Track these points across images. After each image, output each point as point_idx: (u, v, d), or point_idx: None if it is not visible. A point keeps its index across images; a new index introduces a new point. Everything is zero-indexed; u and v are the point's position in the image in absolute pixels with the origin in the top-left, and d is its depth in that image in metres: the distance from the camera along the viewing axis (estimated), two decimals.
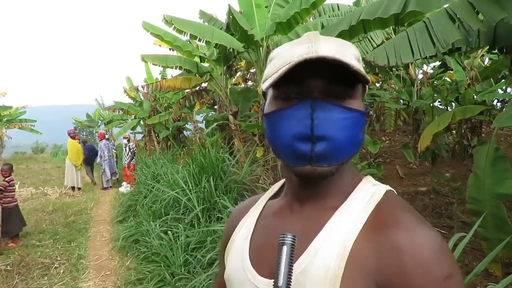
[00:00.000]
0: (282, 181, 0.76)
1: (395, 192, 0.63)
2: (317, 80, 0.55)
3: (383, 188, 0.61)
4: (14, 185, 5.41)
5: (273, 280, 0.49)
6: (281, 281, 0.47)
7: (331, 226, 0.57)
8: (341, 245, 0.54)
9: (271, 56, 0.63)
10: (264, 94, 0.65)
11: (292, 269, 0.48)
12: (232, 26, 5.20)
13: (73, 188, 9.46)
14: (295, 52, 0.55)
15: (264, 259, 0.63)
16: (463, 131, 6.90)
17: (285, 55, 0.56)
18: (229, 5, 5.25)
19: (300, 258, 0.56)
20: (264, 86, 0.58)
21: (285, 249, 0.49)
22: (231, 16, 5.06)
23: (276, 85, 0.58)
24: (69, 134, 9.81)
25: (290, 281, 0.48)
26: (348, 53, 0.57)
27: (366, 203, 0.58)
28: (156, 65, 7.13)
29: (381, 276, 0.51)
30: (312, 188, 0.62)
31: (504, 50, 3.26)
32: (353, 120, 0.56)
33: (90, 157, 10.54)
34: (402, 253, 0.50)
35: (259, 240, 0.67)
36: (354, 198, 0.60)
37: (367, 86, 0.63)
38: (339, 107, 0.56)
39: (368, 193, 0.60)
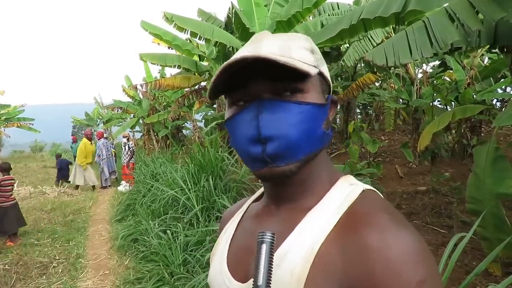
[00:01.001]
0: None
1: (377, 191, 0.60)
2: (262, 80, 0.55)
3: (360, 187, 0.59)
4: (11, 185, 5.36)
5: (250, 282, 0.48)
6: (260, 280, 0.46)
7: (301, 228, 0.55)
8: (309, 247, 0.52)
9: None
10: None
11: (272, 268, 0.47)
12: (235, 24, 5.20)
13: (77, 186, 9.52)
14: (237, 56, 0.54)
15: (241, 262, 0.62)
16: (462, 131, 6.90)
17: (229, 59, 0.55)
18: (231, 2, 5.25)
19: None
20: (208, 96, 0.60)
21: (264, 247, 0.47)
22: (233, 14, 5.06)
23: (227, 91, 0.59)
24: (85, 134, 10.01)
25: (270, 280, 0.46)
26: (293, 46, 0.57)
27: (340, 203, 0.56)
28: (155, 64, 7.13)
29: (347, 279, 0.48)
30: (285, 188, 0.61)
31: (505, 49, 3.26)
32: (307, 114, 0.55)
33: (61, 170, 10.61)
34: (370, 255, 0.47)
35: (238, 243, 0.67)
36: (328, 198, 0.58)
37: (326, 74, 0.61)
38: (287, 103, 0.54)
39: (343, 193, 0.57)
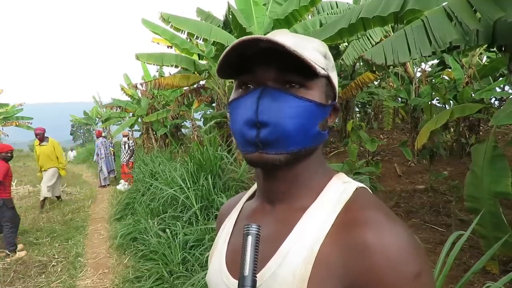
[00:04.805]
0: None
1: (368, 188, 0.62)
2: (270, 69, 0.56)
3: (354, 185, 0.60)
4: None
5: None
6: (247, 271, 0.48)
7: (300, 228, 0.56)
8: (309, 248, 0.53)
9: None
10: None
11: (257, 259, 0.49)
12: (232, 23, 5.19)
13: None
14: (252, 36, 0.55)
15: (238, 262, 0.63)
16: (461, 129, 6.91)
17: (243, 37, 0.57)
18: (228, 2, 5.24)
19: (270, 262, 0.56)
20: (216, 71, 0.61)
21: (250, 239, 0.49)
22: (230, 14, 5.05)
23: (236, 75, 0.61)
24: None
25: (256, 270, 0.48)
26: (308, 46, 0.58)
27: (336, 202, 0.57)
28: (151, 64, 7.10)
29: (348, 277, 0.50)
30: (278, 184, 0.62)
31: (503, 48, 3.26)
32: (305, 109, 0.56)
33: None
34: (369, 253, 0.49)
35: (235, 243, 0.67)
36: (323, 198, 0.59)
37: (333, 81, 0.62)
38: (289, 95, 0.56)
39: (337, 192, 0.59)
